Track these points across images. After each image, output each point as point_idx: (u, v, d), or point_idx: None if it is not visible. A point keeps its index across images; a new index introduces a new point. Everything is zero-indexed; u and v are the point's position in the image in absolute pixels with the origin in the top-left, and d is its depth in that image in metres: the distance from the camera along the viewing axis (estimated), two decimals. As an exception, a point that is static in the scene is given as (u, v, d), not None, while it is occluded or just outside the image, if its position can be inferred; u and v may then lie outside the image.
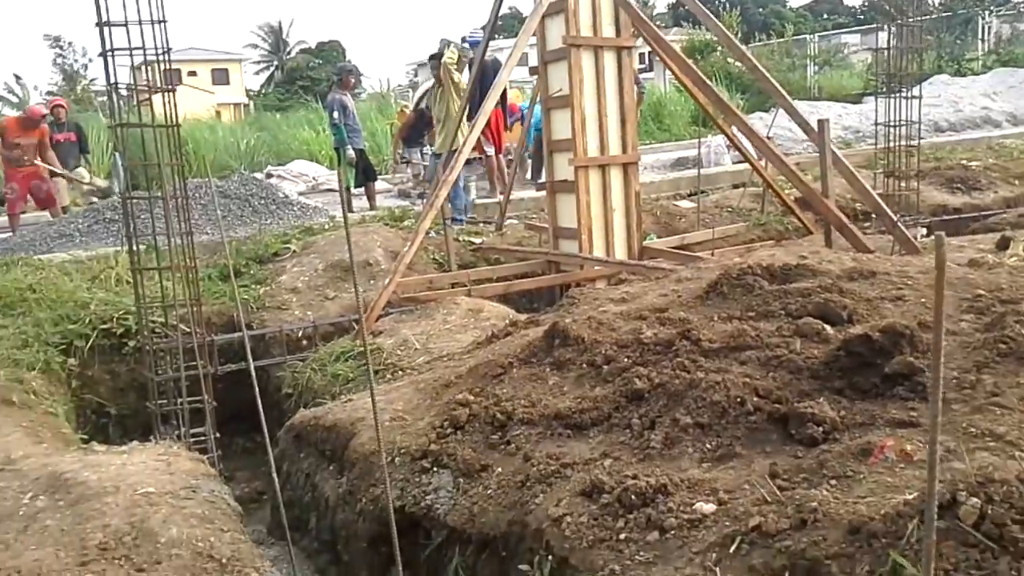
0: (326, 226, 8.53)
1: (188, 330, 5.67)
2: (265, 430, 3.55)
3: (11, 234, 10.37)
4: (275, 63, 64.84)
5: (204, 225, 9.10)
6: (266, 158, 17.72)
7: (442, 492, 3.32)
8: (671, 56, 6.37)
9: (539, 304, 7.51)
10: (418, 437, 3.59)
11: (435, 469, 3.41)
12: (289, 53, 64.83)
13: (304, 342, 6.37)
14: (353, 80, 13.09)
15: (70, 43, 53.12)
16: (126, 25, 5.17)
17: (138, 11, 5.10)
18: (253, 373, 3.69)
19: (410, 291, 6.50)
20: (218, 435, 5.61)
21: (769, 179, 7.37)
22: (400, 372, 4.92)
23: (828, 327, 3.35)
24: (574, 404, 3.39)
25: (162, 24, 5.25)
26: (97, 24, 5.19)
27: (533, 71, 7.50)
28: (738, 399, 2.98)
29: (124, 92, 6.01)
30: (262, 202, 9.58)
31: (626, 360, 3.58)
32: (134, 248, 5.59)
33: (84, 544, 2.97)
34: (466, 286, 6.60)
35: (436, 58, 10.23)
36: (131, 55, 5.39)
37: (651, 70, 30.03)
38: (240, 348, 6.15)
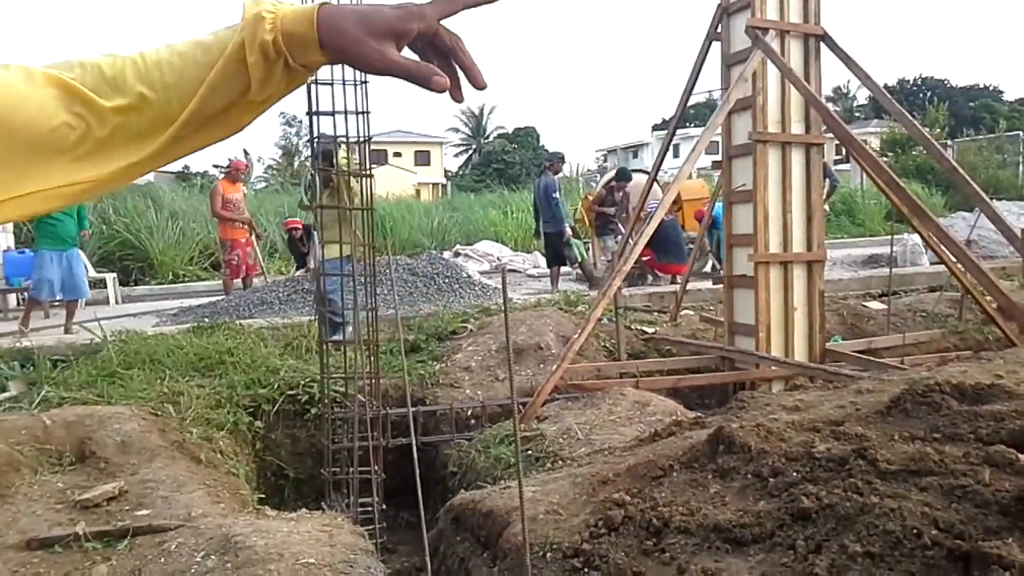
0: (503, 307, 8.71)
1: (365, 401, 5.94)
2: (422, 511, 3.62)
3: (221, 297, 11.25)
4: (473, 146, 67.79)
5: (391, 301, 9.55)
6: (456, 237, 18.44)
7: (591, 595, 3.24)
8: (863, 155, 6.15)
9: (711, 401, 7.30)
10: (571, 534, 3.53)
11: (586, 570, 3.34)
12: (487, 137, 67.66)
13: (472, 421, 6.48)
14: (561, 167, 13.33)
15: (299, 120, 57.96)
16: (333, 114, 5.61)
17: (344, 102, 5.52)
18: (415, 450, 3.79)
19: (578, 378, 6.49)
20: (384, 507, 5.79)
21: (968, 284, 6.88)
22: (560, 462, 4.89)
23: (1023, 457, 3.05)
24: (735, 517, 3.24)
25: (366, 115, 5.64)
26: (308, 113, 5.66)
27: (716, 165, 7.46)
28: (915, 530, 2.75)
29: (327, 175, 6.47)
30: (446, 281, 9.94)
31: (794, 475, 3.40)
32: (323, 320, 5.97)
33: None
34: (634, 376, 6.52)
35: (326, 159, 7.72)
36: (335, 142, 5.83)
37: (847, 161, 29.07)
38: (417, 420, 6.36)
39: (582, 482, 3.99)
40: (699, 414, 5.14)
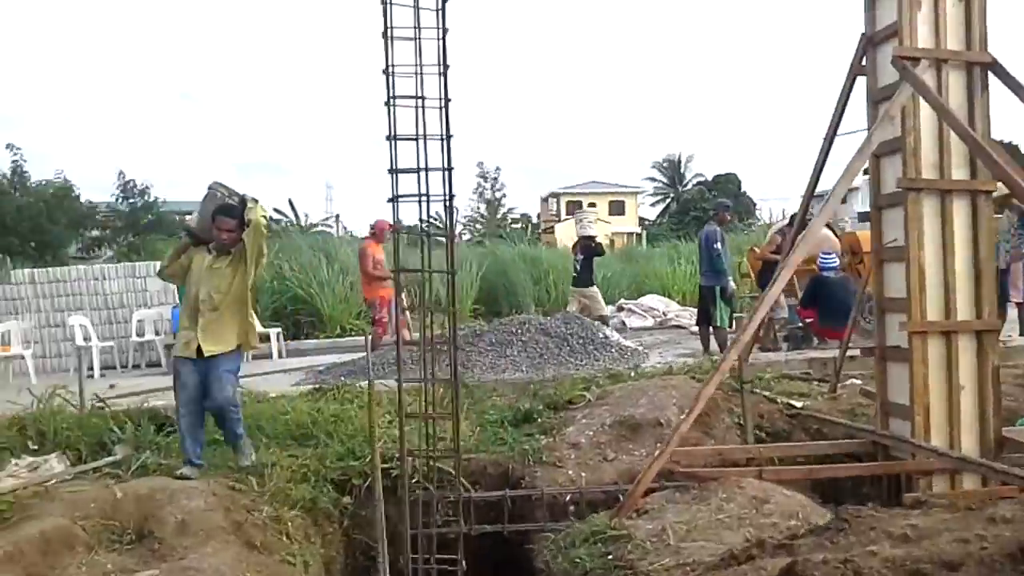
0: (631, 373, 7.96)
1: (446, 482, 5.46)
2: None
3: (360, 356, 11.15)
4: (671, 195, 66.71)
5: (521, 363, 9.05)
6: (622, 291, 17.71)
7: None
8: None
9: (869, 491, 6.23)
10: None
11: None
12: (685, 186, 66.40)
13: (572, 508, 5.80)
14: (728, 217, 12.23)
15: (497, 169, 59.89)
16: (418, 171, 5.25)
17: (426, 159, 5.13)
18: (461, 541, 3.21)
19: (695, 463, 5.67)
20: (467, 603, 5.23)
21: None
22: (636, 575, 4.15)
23: None
24: None
25: (448, 171, 5.23)
26: (389, 171, 5.31)
27: (864, 217, 6.45)
28: None
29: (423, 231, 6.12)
30: (580, 342, 9.32)
31: (877, 641, 2.54)
32: (401, 391, 5.56)
33: None
34: (762, 463, 5.62)
35: (225, 213, 5.79)
36: (419, 201, 5.48)
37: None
38: (502, 507, 5.78)
39: (626, 616, 3.26)
40: (812, 526, 4.23)
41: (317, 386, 8.39)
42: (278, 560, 4.91)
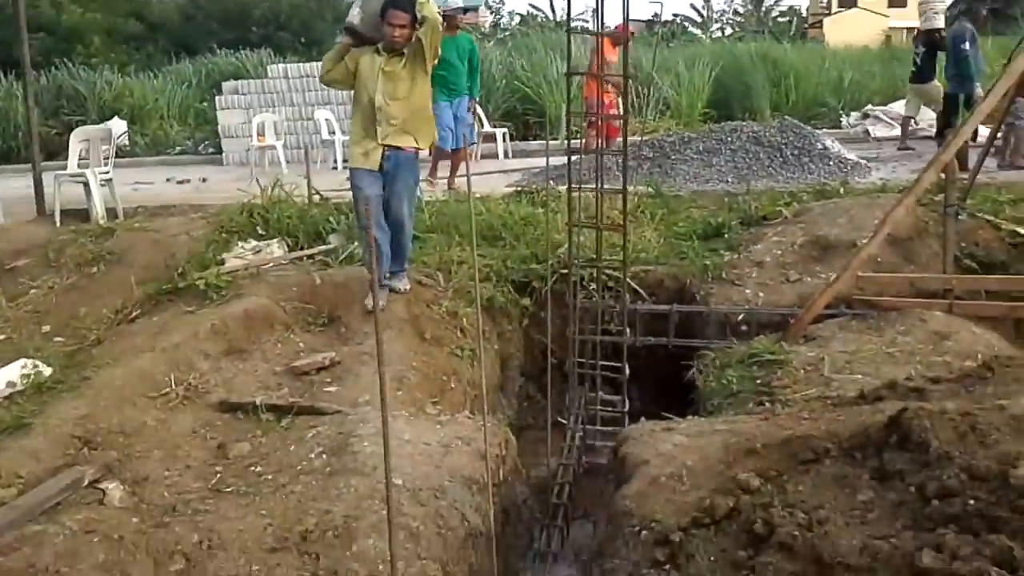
0: (841, 190, 7.36)
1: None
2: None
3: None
4: (974, -16, 58.31)
5: (727, 173, 8.66)
6: (871, 96, 16.03)
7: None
8: None
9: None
10: (677, 513, 2.89)
11: (667, 567, 2.72)
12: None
13: (743, 328, 5.67)
14: (984, 15, 10.73)
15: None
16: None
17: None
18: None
19: (881, 291, 5.30)
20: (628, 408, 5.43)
21: None
22: (772, 402, 4.07)
23: None
24: (857, 544, 2.38)
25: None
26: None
27: None
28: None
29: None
30: (794, 153, 8.69)
31: (971, 503, 2.38)
32: (573, 200, 5.64)
33: (296, 524, 3.07)
34: (958, 296, 5.16)
35: (397, 6, 5.11)
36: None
37: None
38: (671, 320, 5.77)
39: (733, 444, 3.25)
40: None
41: (517, 188, 8.54)
42: (447, 352, 5.24)
